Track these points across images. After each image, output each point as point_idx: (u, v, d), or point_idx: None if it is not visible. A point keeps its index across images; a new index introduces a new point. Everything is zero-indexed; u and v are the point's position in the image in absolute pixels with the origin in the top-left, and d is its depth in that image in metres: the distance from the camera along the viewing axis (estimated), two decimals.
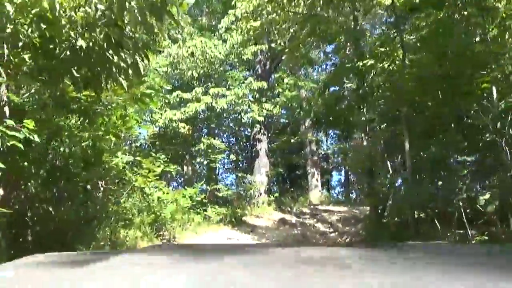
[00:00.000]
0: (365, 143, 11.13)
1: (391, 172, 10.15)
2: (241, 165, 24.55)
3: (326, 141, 33.98)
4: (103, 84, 6.08)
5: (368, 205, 23.64)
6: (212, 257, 2.34)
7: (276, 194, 18.40)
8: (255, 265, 1.96)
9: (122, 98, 6.45)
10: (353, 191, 32.01)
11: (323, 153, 30.00)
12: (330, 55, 18.55)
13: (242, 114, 17.08)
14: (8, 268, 1.93)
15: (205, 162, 15.67)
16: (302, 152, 31.43)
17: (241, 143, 24.04)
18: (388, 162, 10.15)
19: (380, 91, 10.02)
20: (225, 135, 22.31)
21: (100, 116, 6.91)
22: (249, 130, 20.17)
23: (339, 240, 13.10)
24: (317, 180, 26.06)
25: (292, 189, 25.04)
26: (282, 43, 18.69)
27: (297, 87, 17.52)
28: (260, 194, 18.03)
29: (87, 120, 7.14)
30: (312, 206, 20.97)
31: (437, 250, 2.69)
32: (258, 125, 18.23)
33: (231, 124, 20.44)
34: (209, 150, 15.48)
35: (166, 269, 1.83)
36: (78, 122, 7.38)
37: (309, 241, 13.03)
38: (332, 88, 11.69)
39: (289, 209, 19.14)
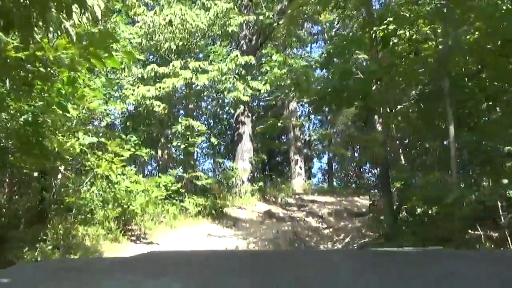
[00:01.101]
0: (379, 127, 9.21)
1: (417, 162, 8.26)
2: (221, 150, 22.52)
3: (308, 127, 32.22)
4: (35, 29, 4.05)
5: (354, 196, 22.17)
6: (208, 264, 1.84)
7: (261, 183, 16.48)
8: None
9: (68, 53, 4.37)
10: (335, 180, 30.43)
11: (307, 139, 28.11)
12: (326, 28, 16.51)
13: (225, 93, 15.01)
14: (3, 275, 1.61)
15: (182, 146, 13.56)
16: (284, 137, 29.69)
17: (222, 126, 21.95)
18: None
19: (404, 61, 8.08)
20: (204, 117, 20.18)
21: (40, 80, 4.82)
22: (231, 111, 18.12)
23: (336, 238, 11.31)
24: (300, 167, 24.32)
25: (273, 177, 23.21)
26: (271, 16, 16.71)
27: (287, 65, 15.49)
28: (243, 182, 16.10)
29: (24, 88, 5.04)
30: (297, 196, 19.19)
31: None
32: (242, 106, 16.23)
33: (212, 105, 18.40)
34: (188, 133, 13.39)
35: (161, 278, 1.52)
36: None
37: (302, 239, 11.20)
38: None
39: (274, 199, 17.29)
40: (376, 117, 9.22)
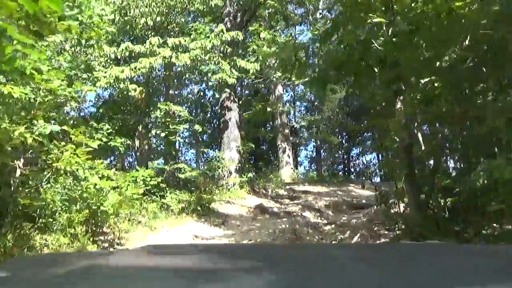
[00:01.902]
0: (398, 106, 7.60)
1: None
2: (204, 139, 20.78)
3: (294, 114, 30.65)
4: None
5: (345, 185, 20.75)
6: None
7: (250, 174, 14.86)
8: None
9: None
10: (324, 168, 28.99)
11: (295, 126, 26.58)
12: None
13: (209, 75, 13.27)
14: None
15: (162, 135, 11.81)
16: (270, 124, 28.09)
17: (206, 112, 20.16)
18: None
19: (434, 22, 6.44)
20: (186, 104, 18.36)
21: None
22: (216, 96, 16.41)
23: (341, 237, 9.78)
24: (288, 156, 22.84)
25: (261, 167, 21.64)
26: None
27: (276, 44, 13.80)
28: (230, 173, 14.47)
29: None
30: (287, 187, 17.67)
31: None
32: (228, 90, 14.53)
33: (194, 89, 16.64)
34: (168, 119, 11.64)
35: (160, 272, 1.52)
36: None
37: (303, 239, 9.63)
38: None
39: (264, 191, 15.71)
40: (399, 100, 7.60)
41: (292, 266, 1.61)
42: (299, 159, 32.02)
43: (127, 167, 14.64)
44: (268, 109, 17.54)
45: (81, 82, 10.58)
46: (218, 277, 1.44)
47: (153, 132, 11.79)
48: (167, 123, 11.67)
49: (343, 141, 28.72)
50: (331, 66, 7.60)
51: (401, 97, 7.36)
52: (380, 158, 35.09)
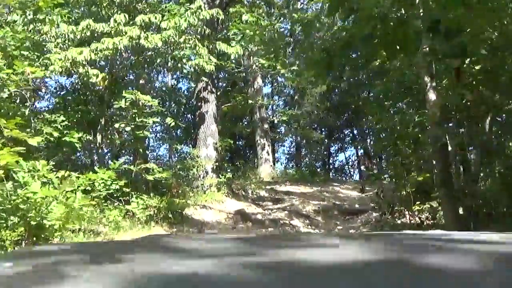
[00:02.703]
0: (432, 96, 5.94)
1: None
2: (178, 134, 18.84)
3: (272, 108, 28.96)
4: None
5: (329, 185, 19.20)
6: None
7: (229, 174, 13.10)
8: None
9: None
10: (303, 165, 27.38)
11: (275, 121, 24.93)
12: None
13: (184, 60, 11.42)
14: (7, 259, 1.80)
15: (127, 129, 9.92)
16: (247, 119, 26.34)
17: (180, 105, 18.18)
18: None
19: None
20: (158, 93, 16.34)
21: None
22: (192, 85, 14.57)
23: None
24: (268, 152, 21.18)
25: (238, 165, 19.91)
26: None
27: (260, 27, 12.05)
28: (207, 173, 12.70)
29: None
30: (268, 187, 16.02)
31: None
32: (205, 79, 12.72)
33: (167, 77, 14.68)
34: (135, 111, 9.76)
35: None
36: None
37: None
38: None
39: (244, 193, 13.99)
40: (427, 79, 5.93)
41: None
42: (276, 155, 30.47)
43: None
44: (250, 101, 15.70)
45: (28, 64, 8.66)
46: None
47: (117, 125, 9.86)
48: (134, 116, 9.78)
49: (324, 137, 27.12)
50: (345, 42, 5.88)
51: (433, 84, 5.71)
52: (359, 155, 33.92)
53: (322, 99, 27.94)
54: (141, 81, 13.51)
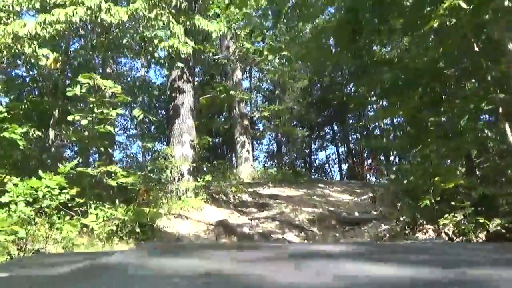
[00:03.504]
0: None
1: None
2: (152, 130, 16.72)
3: (250, 103, 27.11)
4: None
5: (316, 186, 17.53)
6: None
7: (208, 177, 11.18)
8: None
9: None
10: (285, 164, 25.56)
11: (256, 116, 23.15)
12: None
13: (156, 42, 9.44)
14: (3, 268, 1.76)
15: (84, 122, 7.86)
16: (224, 115, 24.43)
17: (151, 96, 16.07)
18: None
19: None
20: (125, 83, 14.22)
21: None
22: (164, 72, 12.58)
23: None
24: (248, 151, 19.34)
25: (217, 164, 18.03)
26: None
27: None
28: (182, 176, 10.78)
29: None
30: (251, 189, 14.18)
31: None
32: (180, 65, 10.78)
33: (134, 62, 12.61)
34: (93, 99, 7.73)
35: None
36: None
37: None
38: None
39: (224, 198, 12.12)
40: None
41: None
42: (254, 153, 28.63)
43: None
44: (232, 92, 13.74)
45: None
46: None
47: (70, 118, 7.79)
48: (94, 106, 7.76)
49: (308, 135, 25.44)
50: None
51: None
52: (341, 153, 32.42)
53: (303, 94, 26.28)
54: (108, 70, 11.48)
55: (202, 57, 13.36)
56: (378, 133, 29.50)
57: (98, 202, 7.70)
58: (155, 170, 10.55)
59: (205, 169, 13.26)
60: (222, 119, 25.46)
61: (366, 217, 9.68)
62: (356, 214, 10.28)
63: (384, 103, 26.39)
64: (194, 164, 11.09)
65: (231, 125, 20.14)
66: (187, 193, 10.41)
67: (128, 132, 20.27)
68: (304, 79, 25.46)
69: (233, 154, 22.67)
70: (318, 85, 27.39)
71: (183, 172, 10.77)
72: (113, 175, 7.74)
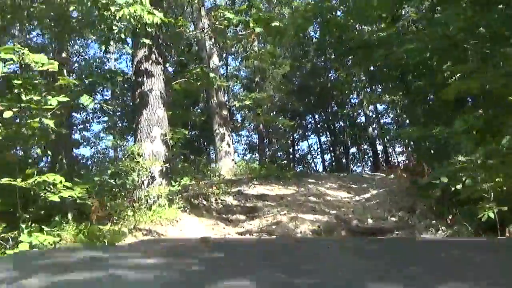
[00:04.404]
0: None
1: None
2: (121, 124, 14.31)
3: (229, 92, 24.86)
4: None
5: (306, 182, 15.51)
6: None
7: (186, 180, 8.97)
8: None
9: None
10: (267, 157, 23.42)
11: (236, 105, 20.99)
12: None
13: (113, 9, 7.17)
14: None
15: (7, 115, 5.52)
16: (202, 105, 22.15)
17: (112, 83, 13.61)
18: None
19: None
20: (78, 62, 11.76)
21: None
22: (128, 52, 10.30)
23: None
24: (228, 144, 17.20)
25: (194, 161, 15.79)
26: None
27: None
28: (153, 179, 8.56)
29: None
30: (235, 189, 12.12)
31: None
32: (146, 41, 8.52)
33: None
34: (19, 82, 5.38)
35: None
36: None
37: None
38: None
39: (205, 203, 9.96)
40: None
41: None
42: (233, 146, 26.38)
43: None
44: (212, 74, 11.39)
45: None
46: None
47: None
48: (21, 92, 5.45)
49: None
50: None
51: None
52: (322, 143, 30.49)
53: (285, 82, 24.18)
54: (63, 54, 9.11)
55: (174, 36, 11.07)
56: (364, 121, 27.85)
57: (32, 225, 5.46)
58: (120, 173, 8.28)
59: (180, 167, 11.01)
60: (199, 110, 23.23)
61: (385, 226, 7.66)
62: (370, 221, 8.24)
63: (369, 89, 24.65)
64: (168, 164, 8.87)
65: (209, 116, 17.90)
66: (159, 201, 8.21)
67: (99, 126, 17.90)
68: (285, 65, 23.39)
69: (212, 148, 20.55)
70: (299, 73, 25.36)
71: (154, 174, 8.55)
72: (51, 186, 5.47)
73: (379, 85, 18.08)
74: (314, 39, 23.27)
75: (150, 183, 8.50)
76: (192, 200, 9.42)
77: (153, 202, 8.19)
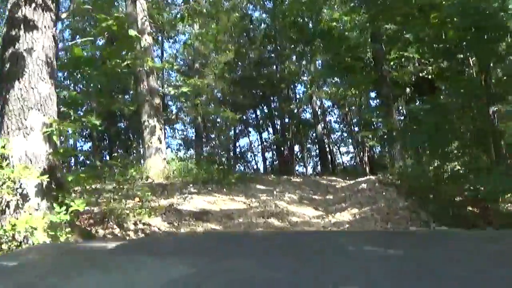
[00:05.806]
0: None
1: None
2: None
3: (162, 78, 21.08)
4: None
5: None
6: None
7: (80, 202, 5.34)
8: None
9: None
10: (205, 155, 19.93)
11: (171, 93, 17.31)
12: None
13: None
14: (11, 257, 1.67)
15: None
16: (131, 91, 18.27)
17: None
18: None
19: None
20: None
21: None
22: None
23: None
24: (159, 139, 13.65)
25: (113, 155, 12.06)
26: None
27: None
28: (25, 201, 4.89)
29: None
30: (166, 202, 8.75)
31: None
32: None
33: None
34: None
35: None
36: None
37: None
38: None
39: (117, 230, 6.39)
40: None
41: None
42: (166, 140, 22.66)
43: None
44: (134, 32, 7.50)
45: None
46: None
47: None
48: None
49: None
50: None
51: None
52: (263, 140, 27.56)
53: (228, 70, 20.85)
54: None
55: None
56: (311, 118, 25.19)
57: None
58: None
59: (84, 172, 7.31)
60: (128, 98, 19.39)
61: None
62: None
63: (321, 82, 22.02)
64: (55, 176, 5.22)
65: (138, 105, 14.18)
66: (31, 239, 4.59)
67: None
68: (230, 51, 20.08)
69: (139, 143, 16.88)
70: (241, 63, 22.14)
71: (26, 192, 4.89)
72: None
73: (340, 78, 15.29)
74: (263, 24, 20.28)
75: (20, 206, 4.83)
76: (94, 228, 5.83)
77: (21, 242, 4.56)
